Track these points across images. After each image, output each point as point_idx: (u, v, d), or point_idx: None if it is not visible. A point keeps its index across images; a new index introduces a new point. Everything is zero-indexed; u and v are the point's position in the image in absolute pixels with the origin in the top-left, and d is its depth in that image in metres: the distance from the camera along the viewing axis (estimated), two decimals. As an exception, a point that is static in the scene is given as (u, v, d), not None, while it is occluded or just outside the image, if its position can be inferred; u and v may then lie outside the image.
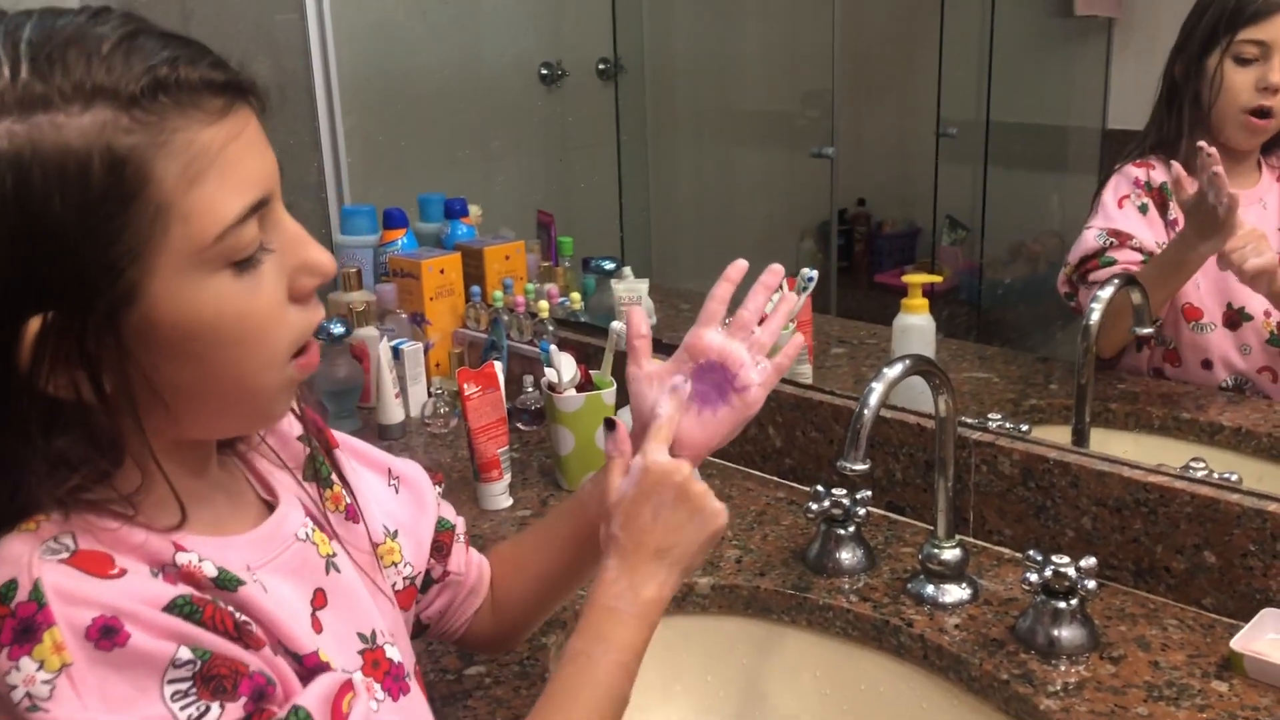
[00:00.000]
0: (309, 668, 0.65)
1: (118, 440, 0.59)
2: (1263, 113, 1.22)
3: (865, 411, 0.96)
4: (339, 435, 0.82)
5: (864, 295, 1.98)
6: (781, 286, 1.45)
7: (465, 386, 1.29)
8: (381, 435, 1.57)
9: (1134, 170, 1.32)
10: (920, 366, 1.01)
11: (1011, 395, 1.50)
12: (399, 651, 0.75)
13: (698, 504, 0.78)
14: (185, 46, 0.58)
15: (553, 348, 1.33)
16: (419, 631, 0.89)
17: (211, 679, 0.57)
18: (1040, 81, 1.69)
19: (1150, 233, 1.30)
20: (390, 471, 0.85)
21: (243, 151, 0.59)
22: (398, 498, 0.85)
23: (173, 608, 0.57)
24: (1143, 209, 1.31)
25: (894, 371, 0.99)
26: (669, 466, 0.78)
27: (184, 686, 0.56)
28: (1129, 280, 1.27)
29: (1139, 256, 1.29)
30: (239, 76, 0.60)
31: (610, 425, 0.82)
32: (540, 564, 0.90)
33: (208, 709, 0.56)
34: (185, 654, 0.56)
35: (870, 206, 1.97)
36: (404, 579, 0.82)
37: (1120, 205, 1.31)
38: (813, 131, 2.08)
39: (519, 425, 1.56)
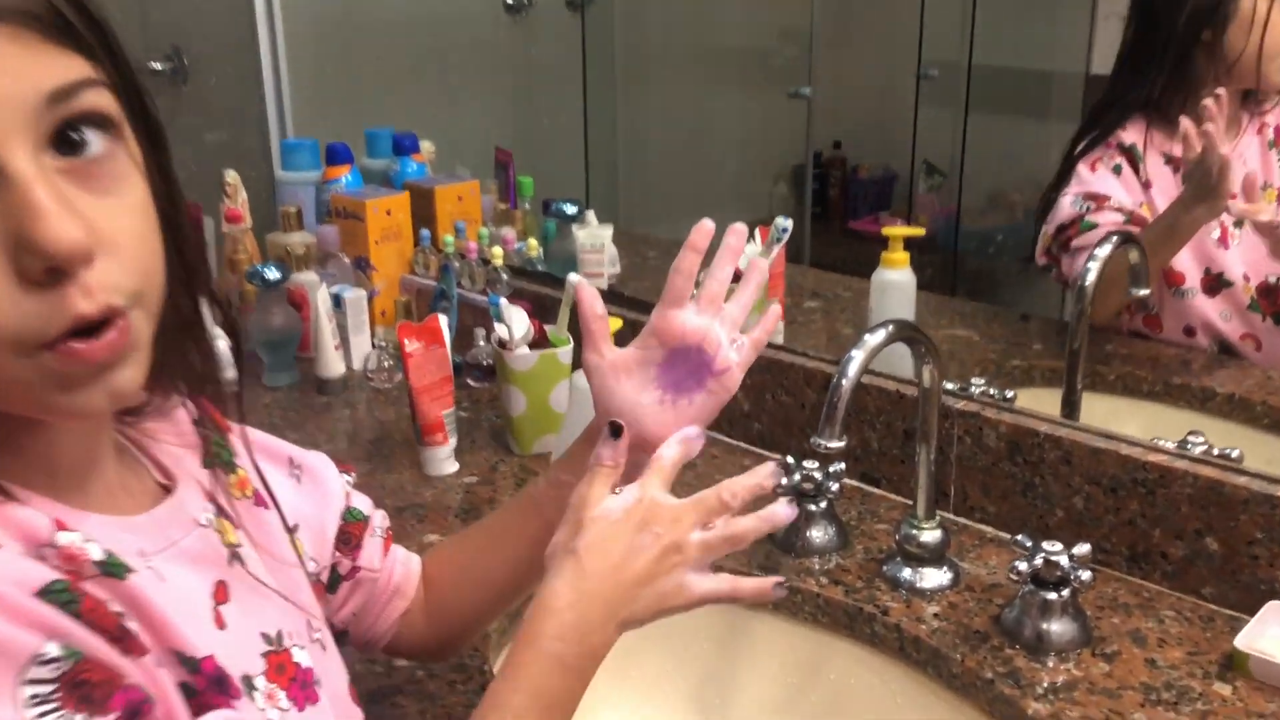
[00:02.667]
0: (207, 674, 0.56)
1: None
2: None
3: (843, 383, 0.87)
4: (234, 425, 0.71)
5: (838, 242, 1.90)
6: (753, 239, 1.34)
7: (406, 342, 1.19)
8: (320, 390, 1.46)
9: (1108, 129, 1.25)
10: (904, 333, 0.92)
11: (993, 355, 1.41)
12: (309, 655, 0.66)
13: (671, 571, 0.67)
14: None
15: (503, 301, 1.22)
16: (337, 639, 0.79)
17: (80, 685, 0.47)
18: (1024, 24, 1.61)
19: (1127, 193, 1.23)
20: (291, 461, 0.76)
21: None
22: (299, 489, 0.75)
23: (47, 593, 0.48)
24: (1116, 170, 1.23)
25: (875, 339, 0.89)
26: (672, 513, 0.68)
27: (46, 690, 0.46)
28: (1126, 239, 1.18)
29: (1119, 218, 1.22)
30: None
31: (616, 431, 0.72)
32: (487, 567, 0.80)
33: None
34: (53, 650, 0.46)
35: (846, 150, 1.89)
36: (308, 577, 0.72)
37: (1094, 169, 1.25)
38: (789, 71, 2.00)
39: (469, 382, 1.46)
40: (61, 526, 0.51)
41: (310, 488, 0.76)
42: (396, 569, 0.81)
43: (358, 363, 1.52)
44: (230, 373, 1.39)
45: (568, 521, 0.69)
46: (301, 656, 0.65)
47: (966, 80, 1.59)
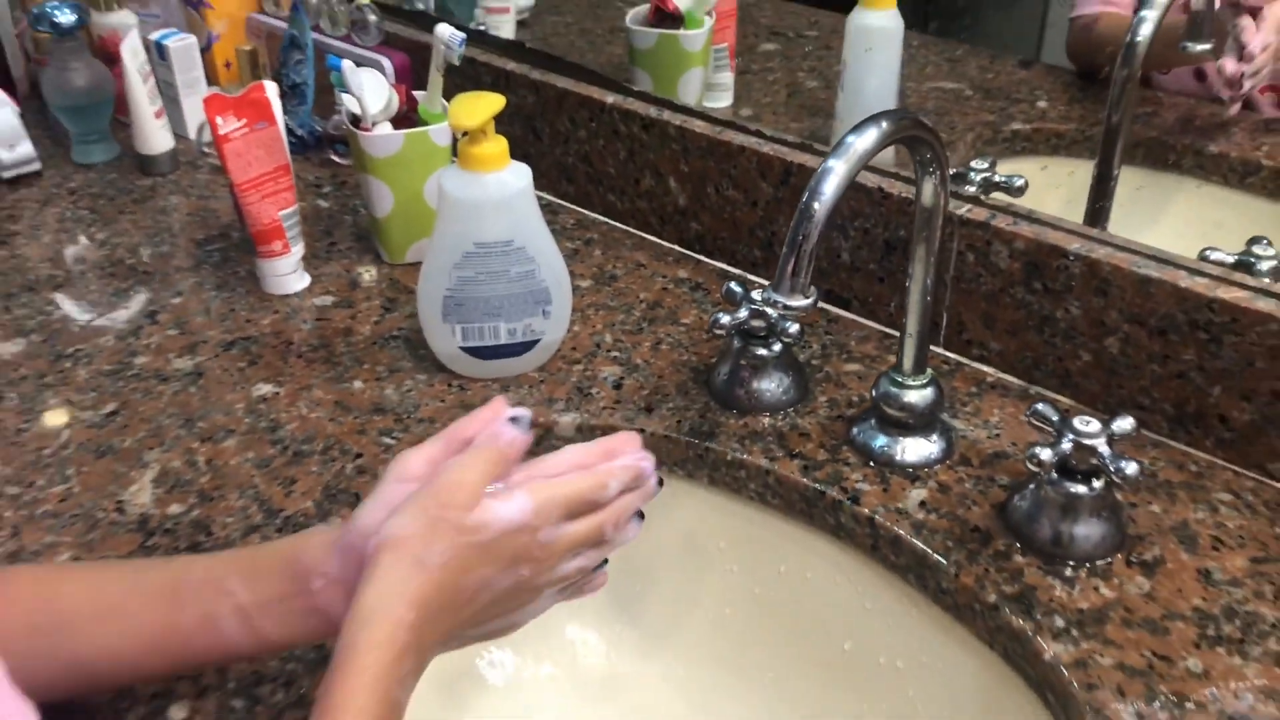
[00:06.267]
0: None
1: None
2: None
3: (816, 208, 0.59)
4: None
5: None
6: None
7: (219, 121, 0.87)
8: (143, 169, 1.15)
9: None
10: (903, 131, 0.63)
11: (990, 116, 1.13)
12: None
13: (515, 612, 0.58)
14: None
15: (347, 65, 0.89)
16: None
17: None
18: None
19: None
20: None
21: None
22: None
23: None
24: None
25: (865, 143, 0.60)
26: (547, 554, 0.56)
27: None
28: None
29: None
30: None
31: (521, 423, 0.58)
32: (70, 637, 0.54)
33: None
34: None
35: None
36: None
37: None
38: None
39: (334, 157, 1.15)
40: None
41: None
42: None
43: (192, 132, 1.19)
44: (24, 148, 1.08)
45: (417, 509, 0.52)
46: None
47: None
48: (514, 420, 0.56)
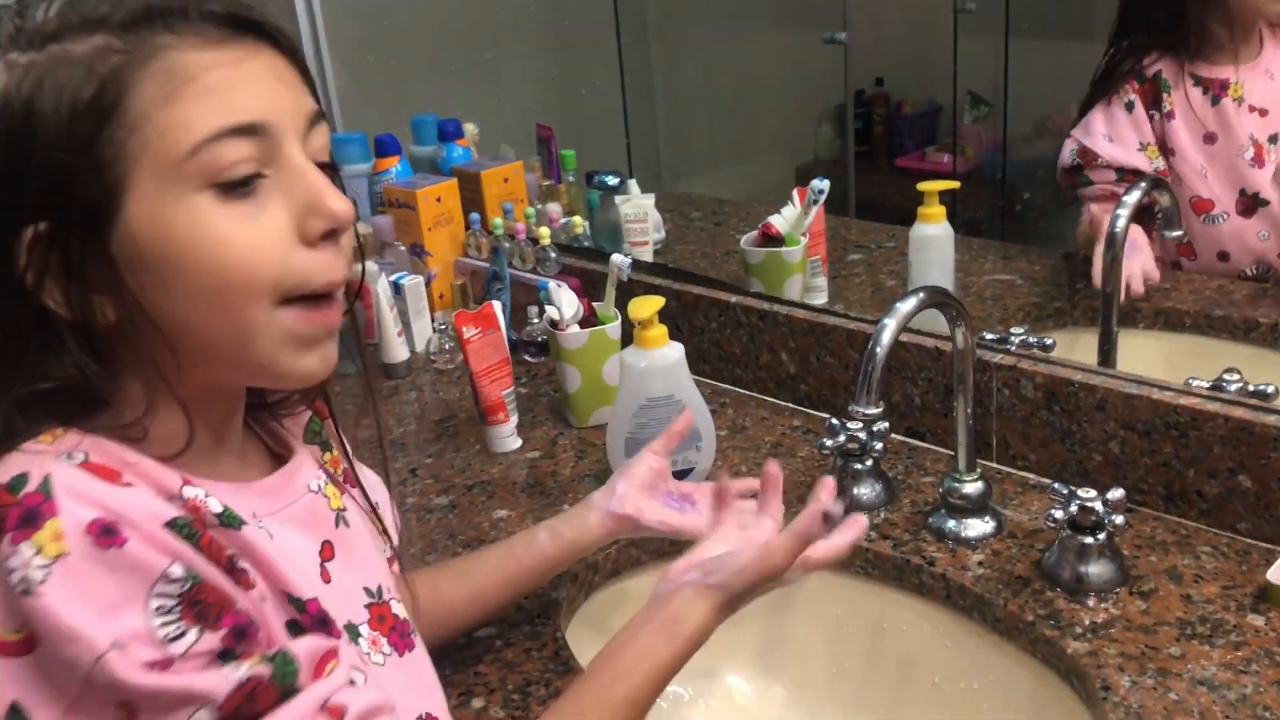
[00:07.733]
0: (312, 614, 0.64)
1: (112, 363, 0.61)
2: None
3: (877, 352, 0.91)
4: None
5: (885, 180, 1.92)
6: (791, 201, 1.37)
7: (464, 329, 1.25)
8: (387, 374, 1.54)
9: (1128, 61, 1.25)
10: (935, 299, 0.96)
11: (1036, 298, 1.44)
12: (404, 609, 0.75)
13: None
14: None
15: (551, 284, 1.28)
16: None
17: (197, 603, 0.56)
18: (1060, -55, 1.60)
19: (1134, 135, 1.24)
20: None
21: (237, 79, 0.60)
22: (366, 477, 0.83)
23: (173, 525, 0.57)
24: (1129, 106, 1.24)
25: (907, 306, 0.93)
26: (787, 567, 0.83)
27: (169, 603, 0.55)
28: (1156, 183, 1.21)
29: (1112, 176, 1.24)
30: (240, 9, 0.61)
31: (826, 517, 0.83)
32: (476, 608, 0.95)
33: (185, 632, 0.55)
34: (178, 570, 0.56)
35: (889, 86, 1.89)
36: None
37: (1109, 104, 1.25)
38: (825, 12, 1.99)
39: (526, 358, 1.52)
40: (187, 483, 0.61)
41: (373, 480, 0.84)
42: None
43: (420, 346, 1.59)
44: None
45: (725, 576, 0.81)
46: (399, 610, 0.74)
47: (1005, 8, 1.60)
48: (826, 517, 0.82)
